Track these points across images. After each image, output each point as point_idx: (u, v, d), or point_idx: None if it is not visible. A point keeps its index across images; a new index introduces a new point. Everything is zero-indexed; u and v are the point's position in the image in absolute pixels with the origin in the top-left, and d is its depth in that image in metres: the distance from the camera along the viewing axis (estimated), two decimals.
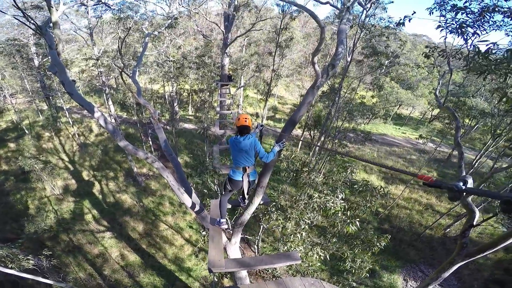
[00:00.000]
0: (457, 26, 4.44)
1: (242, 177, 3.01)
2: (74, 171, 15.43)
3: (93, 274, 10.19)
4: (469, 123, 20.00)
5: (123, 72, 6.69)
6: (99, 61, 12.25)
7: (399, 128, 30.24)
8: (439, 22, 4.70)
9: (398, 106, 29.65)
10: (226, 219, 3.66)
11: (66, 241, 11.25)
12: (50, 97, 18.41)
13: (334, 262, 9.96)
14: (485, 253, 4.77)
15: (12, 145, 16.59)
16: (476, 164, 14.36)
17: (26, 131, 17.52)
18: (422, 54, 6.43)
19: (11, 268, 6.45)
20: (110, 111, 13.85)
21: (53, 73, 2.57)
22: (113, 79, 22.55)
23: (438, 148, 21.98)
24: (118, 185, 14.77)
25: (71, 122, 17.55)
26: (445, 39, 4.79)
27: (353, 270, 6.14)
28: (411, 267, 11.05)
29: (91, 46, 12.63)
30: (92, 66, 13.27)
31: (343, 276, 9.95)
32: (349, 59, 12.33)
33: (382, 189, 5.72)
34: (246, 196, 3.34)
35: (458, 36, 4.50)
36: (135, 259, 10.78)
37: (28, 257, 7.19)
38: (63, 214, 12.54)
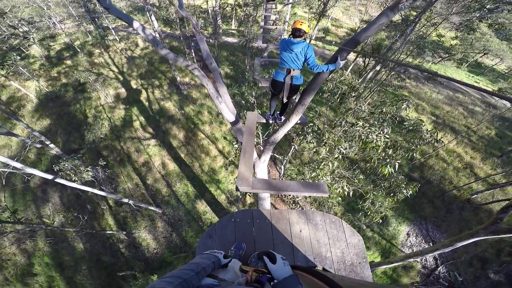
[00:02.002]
0: None
1: (284, 79, 2.93)
2: (124, 81, 16.62)
3: (138, 184, 11.19)
4: None
5: None
6: None
7: (473, 76, 25.57)
8: None
9: (483, 54, 24.36)
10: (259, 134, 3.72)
11: (118, 150, 12.41)
12: (96, 19, 19.31)
13: (351, 199, 10.06)
14: None
15: (68, 62, 18.25)
16: None
17: (78, 50, 19.00)
18: None
19: (75, 181, 7.46)
20: (154, 26, 13.61)
21: None
22: None
23: None
24: (162, 93, 15.72)
25: (118, 39, 18.50)
26: None
27: (369, 212, 6.01)
28: (420, 223, 10.57)
29: None
30: None
31: (356, 216, 9.92)
32: None
33: (436, 133, 4.95)
34: (285, 100, 3.22)
35: None
36: (174, 168, 11.78)
37: (87, 169, 8.16)
38: (115, 121, 13.85)
